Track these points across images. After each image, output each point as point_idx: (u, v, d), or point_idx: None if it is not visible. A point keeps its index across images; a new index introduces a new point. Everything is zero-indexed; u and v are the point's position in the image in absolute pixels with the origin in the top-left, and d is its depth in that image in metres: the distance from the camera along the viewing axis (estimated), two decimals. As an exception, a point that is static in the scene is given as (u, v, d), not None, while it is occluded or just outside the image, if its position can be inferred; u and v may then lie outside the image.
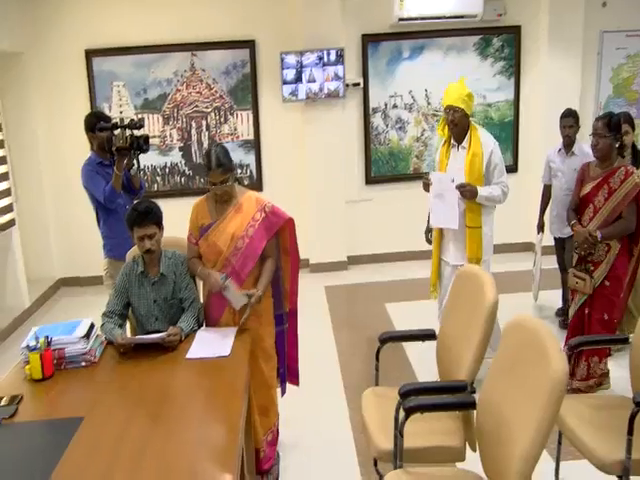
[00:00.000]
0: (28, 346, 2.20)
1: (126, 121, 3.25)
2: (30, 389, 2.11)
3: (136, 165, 3.28)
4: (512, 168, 5.40)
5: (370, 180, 5.61)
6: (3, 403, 1.99)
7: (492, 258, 3.39)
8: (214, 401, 2.03)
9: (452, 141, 3.28)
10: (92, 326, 2.37)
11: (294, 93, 5.27)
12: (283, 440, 2.83)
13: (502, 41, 5.45)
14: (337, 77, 5.28)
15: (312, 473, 2.70)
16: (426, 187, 3.33)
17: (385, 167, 5.64)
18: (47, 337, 2.22)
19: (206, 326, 2.62)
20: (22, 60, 5.12)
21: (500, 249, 4.73)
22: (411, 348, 3.73)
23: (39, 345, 2.18)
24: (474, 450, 2.00)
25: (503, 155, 3.29)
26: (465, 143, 3.20)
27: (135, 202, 2.70)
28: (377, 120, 5.52)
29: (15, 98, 5.10)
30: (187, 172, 5.46)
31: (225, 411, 1.93)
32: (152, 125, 5.36)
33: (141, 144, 3.21)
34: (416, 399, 1.98)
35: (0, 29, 4.70)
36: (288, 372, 2.81)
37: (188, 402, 2.02)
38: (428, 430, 2.10)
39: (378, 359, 2.49)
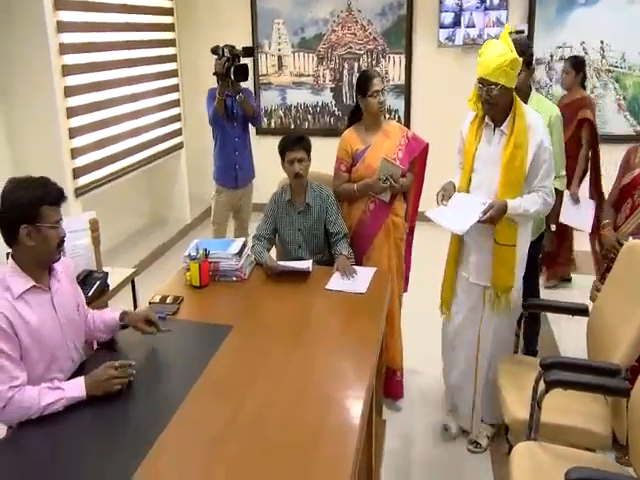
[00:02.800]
0: (190, 255, 2.35)
1: (226, 48, 3.39)
2: (189, 293, 2.27)
3: (241, 93, 3.40)
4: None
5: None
6: (169, 301, 2.18)
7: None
8: (350, 335, 2.02)
9: (487, 119, 2.21)
10: (244, 245, 2.47)
11: (451, 38, 4.88)
12: (409, 392, 2.79)
13: None
14: (499, 23, 4.76)
15: (437, 429, 2.58)
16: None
17: (544, 125, 5.03)
18: (206, 250, 2.35)
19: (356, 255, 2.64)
20: (197, -2, 5.31)
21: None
22: (556, 321, 3.34)
23: (199, 256, 2.32)
24: (623, 442, 1.78)
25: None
26: (505, 127, 2.14)
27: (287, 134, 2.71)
28: (540, 73, 4.89)
29: (189, 33, 5.31)
30: (337, 113, 5.37)
31: (359, 348, 1.91)
32: (307, 64, 5.32)
33: (231, 72, 3.30)
34: (561, 373, 1.78)
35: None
36: None
37: (325, 331, 2.04)
38: (568, 408, 1.90)
39: (520, 326, 2.29)
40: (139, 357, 1.76)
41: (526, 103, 2.36)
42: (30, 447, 1.49)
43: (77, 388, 1.59)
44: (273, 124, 5.48)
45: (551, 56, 4.84)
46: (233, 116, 3.50)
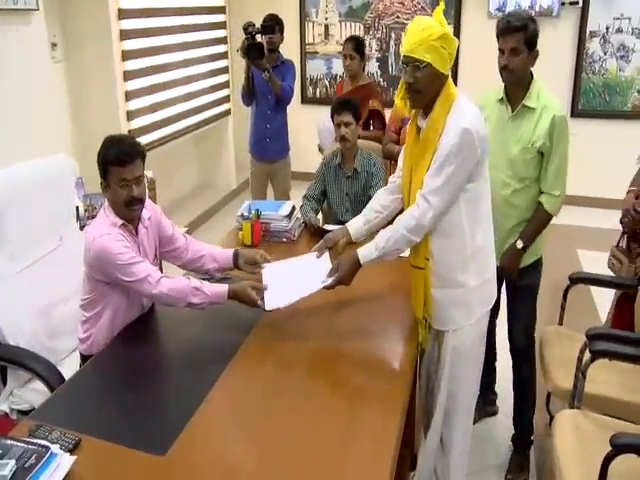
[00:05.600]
0: (242, 215, 2.37)
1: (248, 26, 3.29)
2: (241, 252, 2.28)
3: (268, 71, 3.29)
4: None
5: (576, 113, 4.74)
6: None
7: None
8: (394, 299, 1.97)
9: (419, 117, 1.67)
10: (293, 208, 2.48)
11: (501, 9, 4.66)
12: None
13: None
14: (553, -7, 4.52)
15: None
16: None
17: (596, 100, 4.72)
18: (258, 210, 2.37)
19: None
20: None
21: None
22: (601, 297, 3.15)
23: (251, 216, 2.34)
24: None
25: None
26: (424, 122, 1.60)
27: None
28: (594, 46, 4.62)
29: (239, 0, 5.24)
30: (382, 83, 5.23)
31: (404, 310, 1.86)
32: (353, 33, 5.17)
33: (246, 50, 3.24)
34: (607, 344, 1.74)
35: None
36: None
37: (369, 293, 2.00)
38: (612, 381, 1.86)
39: (565, 298, 2.23)
40: (186, 313, 1.77)
41: (526, 94, 1.93)
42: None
43: (219, 295, 1.70)
44: (318, 93, 5.40)
45: (607, 28, 4.56)
46: (264, 90, 3.42)
